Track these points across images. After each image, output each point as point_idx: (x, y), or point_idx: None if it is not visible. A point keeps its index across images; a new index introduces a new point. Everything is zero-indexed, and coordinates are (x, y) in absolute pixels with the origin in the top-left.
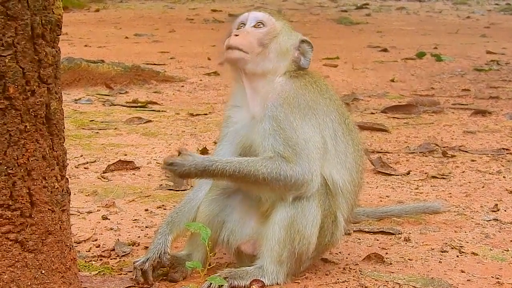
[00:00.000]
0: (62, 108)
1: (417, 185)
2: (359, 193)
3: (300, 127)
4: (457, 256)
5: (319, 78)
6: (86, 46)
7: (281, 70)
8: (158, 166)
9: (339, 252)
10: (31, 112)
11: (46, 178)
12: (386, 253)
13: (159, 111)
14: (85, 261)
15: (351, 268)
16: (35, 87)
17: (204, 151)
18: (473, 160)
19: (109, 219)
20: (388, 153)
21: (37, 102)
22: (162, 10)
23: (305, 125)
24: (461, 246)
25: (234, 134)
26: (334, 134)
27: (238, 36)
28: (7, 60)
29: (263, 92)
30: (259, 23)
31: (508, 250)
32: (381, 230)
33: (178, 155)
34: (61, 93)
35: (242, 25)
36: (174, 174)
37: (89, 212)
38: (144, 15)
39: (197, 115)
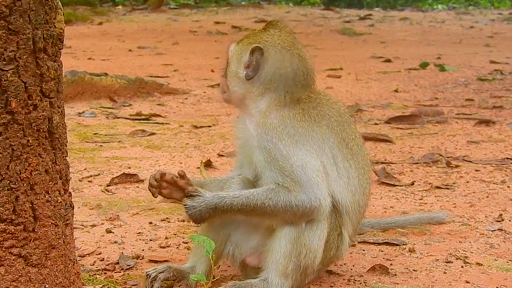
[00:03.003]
0: (64, 122)
1: (421, 196)
2: (363, 213)
3: (292, 154)
4: (462, 267)
5: (319, 107)
6: (89, 59)
7: (250, 93)
8: None
9: (344, 264)
10: (34, 126)
11: (49, 192)
12: (391, 264)
13: (162, 123)
14: (89, 275)
15: (355, 280)
16: (37, 101)
17: (208, 164)
18: (477, 170)
19: (113, 232)
20: (392, 163)
21: (40, 116)
22: (165, 22)
23: (298, 151)
24: (465, 257)
25: (239, 147)
26: (334, 160)
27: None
28: (9, 75)
29: (254, 117)
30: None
31: None
32: (385, 241)
33: (188, 197)
34: (63, 107)
35: None
36: (188, 217)
37: (93, 226)
38: (147, 27)
39: (201, 127)
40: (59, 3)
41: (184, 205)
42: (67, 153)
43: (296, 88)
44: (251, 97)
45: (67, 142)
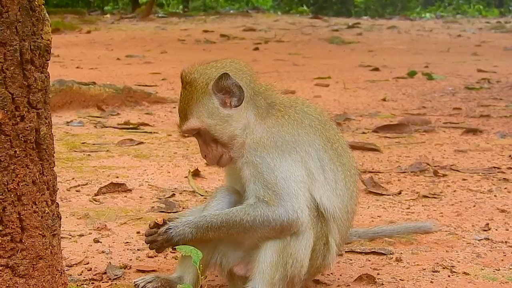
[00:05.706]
0: (51, 133)
1: (409, 205)
2: (352, 220)
3: (278, 166)
4: (449, 276)
5: (294, 104)
6: (77, 68)
7: (243, 116)
8: (150, 188)
9: (331, 273)
10: (21, 137)
11: (37, 203)
12: (378, 274)
13: (150, 132)
14: (77, 285)
15: None
16: (24, 112)
17: (196, 173)
18: (464, 179)
19: (100, 242)
20: (380, 172)
21: (27, 127)
22: (153, 31)
23: (284, 163)
24: (452, 266)
25: (227, 175)
26: (320, 163)
27: (206, 156)
28: None
29: (242, 145)
30: (196, 133)
31: (499, 270)
32: (372, 250)
33: (164, 224)
34: (50, 118)
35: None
36: (169, 239)
37: (81, 235)
38: (135, 36)
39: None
40: (46, 14)
41: (168, 226)
42: (54, 163)
43: (260, 87)
44: (244, 120)
45: (54, 153)
